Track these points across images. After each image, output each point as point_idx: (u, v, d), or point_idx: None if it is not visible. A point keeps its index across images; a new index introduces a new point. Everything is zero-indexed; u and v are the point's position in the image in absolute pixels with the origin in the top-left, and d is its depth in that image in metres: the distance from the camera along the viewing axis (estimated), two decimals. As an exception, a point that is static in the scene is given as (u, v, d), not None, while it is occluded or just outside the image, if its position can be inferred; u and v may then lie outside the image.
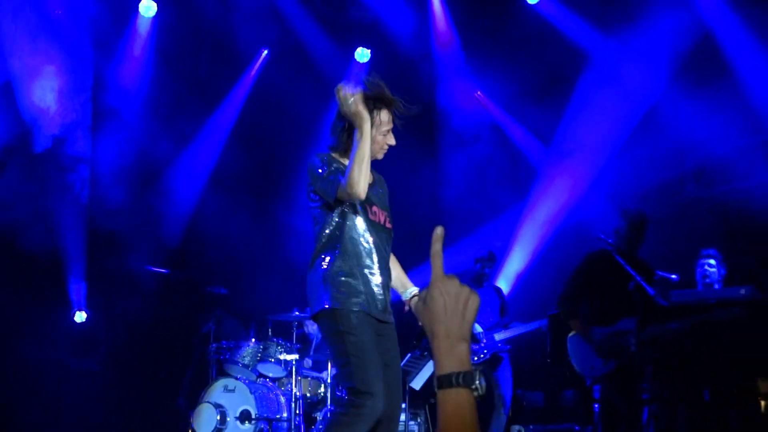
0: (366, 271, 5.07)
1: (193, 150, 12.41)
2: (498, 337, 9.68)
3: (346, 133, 5.09)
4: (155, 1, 11.68)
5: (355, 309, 4.93)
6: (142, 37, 11.68)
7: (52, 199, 10.70)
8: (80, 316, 11.17)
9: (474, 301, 2.22)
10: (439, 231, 2.27)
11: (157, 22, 11.82)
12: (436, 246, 2.29)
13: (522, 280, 12.51)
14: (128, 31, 11.71)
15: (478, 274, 10.25)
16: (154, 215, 11.59)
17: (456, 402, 2.13)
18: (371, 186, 5.21)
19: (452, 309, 2.19)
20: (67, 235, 10.83)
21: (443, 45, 12.80)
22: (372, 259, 5.09)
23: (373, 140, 5.00)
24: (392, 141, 5.21)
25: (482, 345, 9.65)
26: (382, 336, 5.13)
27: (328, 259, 5.05)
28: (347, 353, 4.88)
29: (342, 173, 4.97)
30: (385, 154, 5.29)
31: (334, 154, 5.21)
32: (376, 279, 5.08)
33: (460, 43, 12.77)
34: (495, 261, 10.50)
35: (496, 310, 10.16)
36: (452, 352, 2.16)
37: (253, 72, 12.77)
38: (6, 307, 10.09)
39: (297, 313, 10.13)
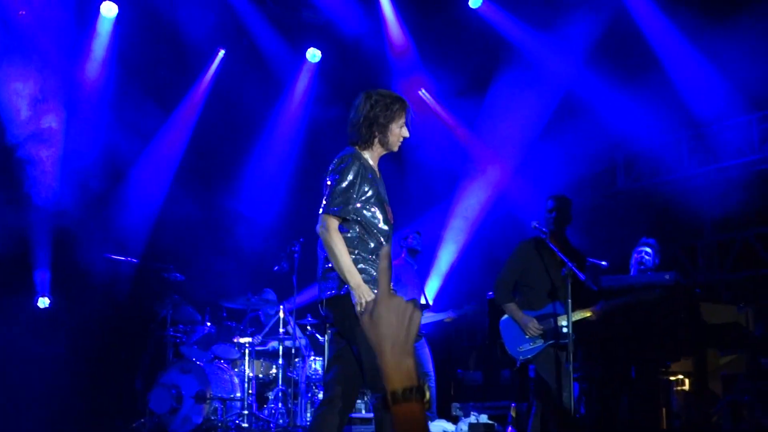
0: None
1: (155, 146, 12.34)
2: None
3: (366, 128, 5.29)
4: (116, 3, 11.54)
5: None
6: (103, 38, 11.58)
7: (19, 193, 10.68)
8: (43, 302, 11.10)
9: (417, 315, 2.19)
10: (385, 249, 2.31)
11: (118, 23, 11.69)
12: (383, 263, 2.30)
13: (453, 270, 12.58)
14: (89, 32, 11.57)
15: (412, 248, 10.15)
16: (115, 208, 11.59)
17: (411, 416, 2.11)
18: (381, 184, 5.44)
19: (398, 325, 2.17)
20: (33, 226, 10.81)
21: (394, 46, 12.79)
22: None
23: (391, 133, 5.29)
24: (407, 134, 5.41)
25: None
26: None
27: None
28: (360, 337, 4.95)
29: (355, 191, 5.19)
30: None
31: (358, 150, 5.36)
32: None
33: (407, 42, 12.78)
34: (419, 238, 10.42)
35: (421, 289, 10.18)
36: (400, 368, 2.15)
37: (211, 71, 12.70)
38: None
39: (249, 298, 10.32)
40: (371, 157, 5.42)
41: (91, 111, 11.47)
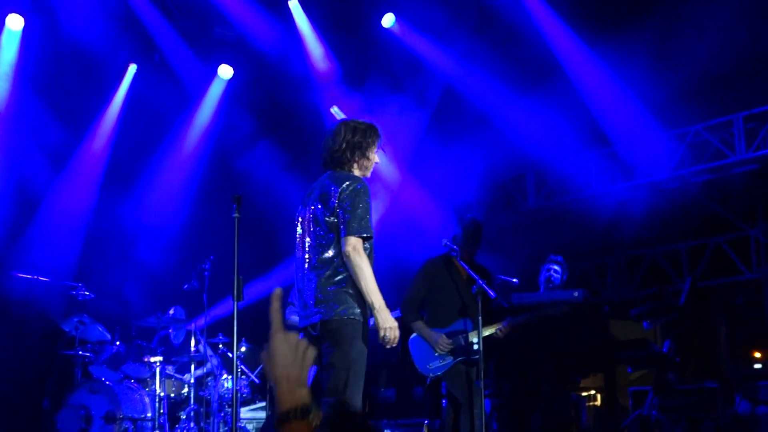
0: None
1: (66, 163, 12.05)
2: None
3: (348, 153, 5.49)
4: (23, 17, 11.22)
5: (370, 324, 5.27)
6: (9, 54, 11.30)
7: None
8: None
9: (311, 351, 2.30)
10: (277, 291, 2.38)
11: (24, 38, 11.37)
12: (275, 304, 2.37)
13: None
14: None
15: None
16: (25, 226, 11.37)
17: None
18: None
19: (291, 359, 2.27)
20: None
21: (309, 63, 12.61)
22: None
23: (369, 159, 5.56)
24: (378, 159, 5.65)
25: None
26: None
27: (345, 273, 5.26)
28: (355, 368, 5.19)
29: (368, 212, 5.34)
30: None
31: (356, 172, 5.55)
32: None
33: (321, 59, 12.63)
34: None
35: None
36: (293, 397, 2.24)
37: (121, 85, 12.46)
38: None
39: (159, 317, 10.09)
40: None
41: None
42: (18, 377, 10.74)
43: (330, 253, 5.32)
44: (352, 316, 5.20)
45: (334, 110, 13.03)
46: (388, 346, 5.32)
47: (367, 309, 5.24)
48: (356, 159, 5.51)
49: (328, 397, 5.17)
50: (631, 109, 11.80)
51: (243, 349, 10.31)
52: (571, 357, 8.37)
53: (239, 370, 9.49)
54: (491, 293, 7.42)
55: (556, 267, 9.04)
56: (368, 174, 5.62)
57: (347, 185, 5.33)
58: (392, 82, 12.62)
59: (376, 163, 5.65)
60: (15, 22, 11.24)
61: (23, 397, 10.63)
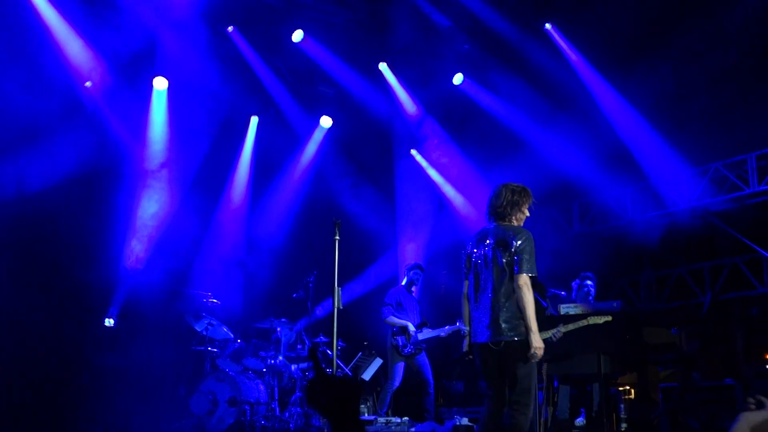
0: None
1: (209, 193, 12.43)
2: (420, 336, 9.68)
3: (508, 210, 5.89)
4: (166, 79, 11.47)
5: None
6: (160, 112, 11.58)
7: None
8: (109, 322, 11.06)
9: (354, 392, 2.23)
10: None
11: (169, 96, 11.68)
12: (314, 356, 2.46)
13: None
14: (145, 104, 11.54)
15: (411, 281, 10.04)
16: (172, 250, 11.66)
17: None
18: None
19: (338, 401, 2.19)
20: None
21: (400, 113, 12.77)
22: None
23: (523, 213, 5.97)
24: (528, 214, 6.03)
25: (413, 340, 9.63)
26: None
27: (515, 302, 5.64)
28: (532, 375, 5.66)
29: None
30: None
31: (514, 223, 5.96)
32: None
33: (407, 110, 12.72)
34: (423, 271, 10.42)
35: (419, 311, 10.04)
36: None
37: (248, 133, 12.68)
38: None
39: (272, 320, 10.20)
40: None
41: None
42: (160, 369, 10.94)
43: (506, 287, 5.68)
44: (525, 338, 5.57)
45: (413, 152, 13.15)
46: (534, 361, 5.62)
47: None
48: (515, 214, 5.89)
49: (516, 398, 5.59)
50: (661, 149, 11.72)
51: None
52: (610, 357, 8.28)
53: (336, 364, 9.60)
54: (543, 303, 7.39)
55: (590, 282, 9.04)
56: (522, 223, 5.96)
57: (522, 236, 5.73)
58: (459, 127, 12.68)
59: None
60: (161, 84, 11.48)
61: (164, 385, 10.76)
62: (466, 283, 6.07)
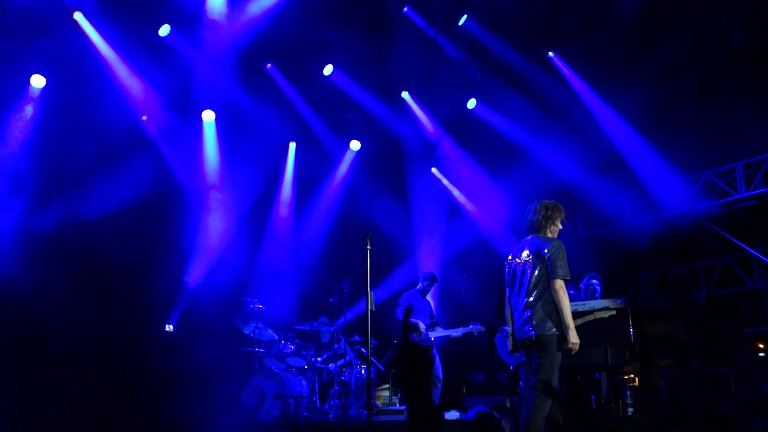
0: None
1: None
2: (431, 335, 9.69)
3: (543, 224, 6.17)
4: (214, 112, 11.76)
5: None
6: (211, 141, 11.93)
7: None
8: (168, 328, 11.36)
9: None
10: None
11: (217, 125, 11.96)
12: None
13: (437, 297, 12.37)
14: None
15: (424, 288, 9.90)
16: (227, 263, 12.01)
17: None
18: None
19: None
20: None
21: (423, 135, 12.92)
22: None
23: (557, 227, 6.24)
24: (561, 227, 6.32)
25: (423, 337, 9.61)
26: None
27: (550, 303, 5.91)
28: (554, 368, 5.84)
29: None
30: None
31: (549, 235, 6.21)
32: None
33: (428, 133, 12.87)
34: (436, 281, 10.54)
35: (431, 313, 9.86)
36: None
37: (288, 157, 12.92)
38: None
39: (311, 322, 10.45)
40: None
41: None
42: (213, 369, 11.01)
43: (538, 291, 5.93)
44: (552, 335, 5.81)
45: (434, 170, 13.30)
46: (572, 353, 5.88)
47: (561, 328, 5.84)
48: (549, 227, 6.16)
49: (539, 386, 5.82)
50: (656, 160, 11.79)
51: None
52: (616, 348, 8.36)
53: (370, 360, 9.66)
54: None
55: (595, 281, 9.09)
56: (556, 235, 6.22)
57: (550, 245, 5.99)
58: (473, 144, 12.80)
59: None
60: (209, 116, 11.73)
61: (217, 382, 10.84)
62: (509, 289, 6.24)
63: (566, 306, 5.85)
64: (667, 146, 11.54)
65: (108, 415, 9.67)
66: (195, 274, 11.73)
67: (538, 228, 6.19)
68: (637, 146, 11.80)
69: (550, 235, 6.18)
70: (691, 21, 10.22)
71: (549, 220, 6.19)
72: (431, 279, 10.17)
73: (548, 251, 5.97)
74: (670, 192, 12.09)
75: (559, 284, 5.89)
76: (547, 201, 6.29)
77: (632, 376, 9.84)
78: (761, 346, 10.12)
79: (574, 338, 5.79)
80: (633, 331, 8.22)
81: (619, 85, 11.28)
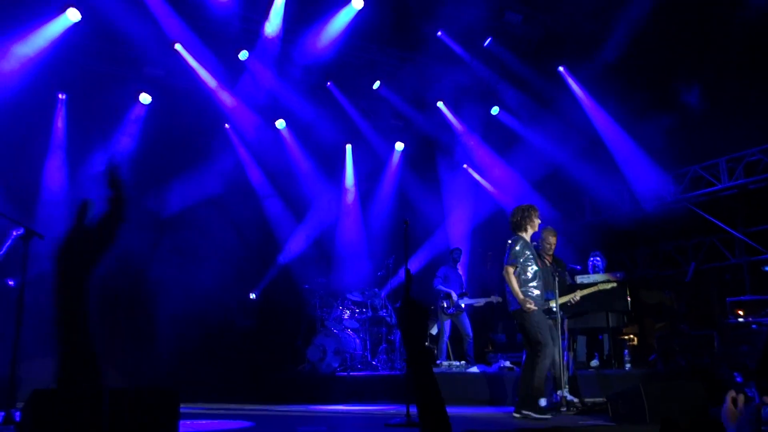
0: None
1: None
2: (461, 302, 9.64)
3: (523, 224, 6.56)
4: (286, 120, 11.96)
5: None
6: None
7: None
8: (252, 295, 11.58)
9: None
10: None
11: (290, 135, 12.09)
12: None
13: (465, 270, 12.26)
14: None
15: (454, 260, 10.06)
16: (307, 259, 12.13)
17: None
18: (533, 250, 6.61)
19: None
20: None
21: (456, 137, 12.73)
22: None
23: (533, 224, 6.60)
24: (538, 221, 6.69)
25: (456, 303, 9.61)
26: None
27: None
28: (537, 328, 6.23)
29: (520, 254, 6.46)
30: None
31: (521, 234, 6.57)
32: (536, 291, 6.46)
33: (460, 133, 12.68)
34: (461, 253, 10.51)
35: (461, 284, 10.02)
36: None
37: (346, 158, 12.88)
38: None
39: (363, 291, 10.47)
40: (526, 237, 6.61)
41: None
42: (284, 328, 11.20)
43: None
44: (518, 306, 6.31)
45: (465, 166, 13.19)
46: (529, 313, 6.25)
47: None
48: (528, 224, 6.57)
49: (532, 346, 6.27)
50: (651, 156, 11.55)
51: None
52: (616, 314, 8.25)
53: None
54: (568, 280, 7.46)
55: (598, 258, 9.01)
56: (536, 228, 6.65)
57: (515, 241, 6.51)
58: (498, 144, 12.64)
59: None
60: (281, 123, 11.81)
61: (287, 339, 11.01)
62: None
63: (512, 285, 6.32)
64: (659, 143, 11.24)
65: (198, 363, 9.79)
66: (286, 252, 11.91)
67: (518, 226, 6.57)
68: (634, 145, 11.49)
69: (530, 230, 6.58)
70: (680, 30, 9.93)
71: (524, 219, 6.54)
72: (458, 251, 10.20)
73: (510, 244, 6.50)
74: (663, 183, 11.82)
75: (505, 269, 6.41)
76: (522, 205, 6.68)
77: (631, 336, 9.71)
78: (740, 312, 9.83)
79: (523, 303, 6.21)
80: (630, 300, 8.12)
81: (618, 93, 11.02)
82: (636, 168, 11.54)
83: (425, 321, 2.13)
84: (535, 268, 6.48)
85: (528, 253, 6.48)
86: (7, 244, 8.20)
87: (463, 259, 10.81)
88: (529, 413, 6.02)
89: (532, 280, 6.43)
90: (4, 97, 8.92)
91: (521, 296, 6.25)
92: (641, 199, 11.94)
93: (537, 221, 6.57)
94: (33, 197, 9.95)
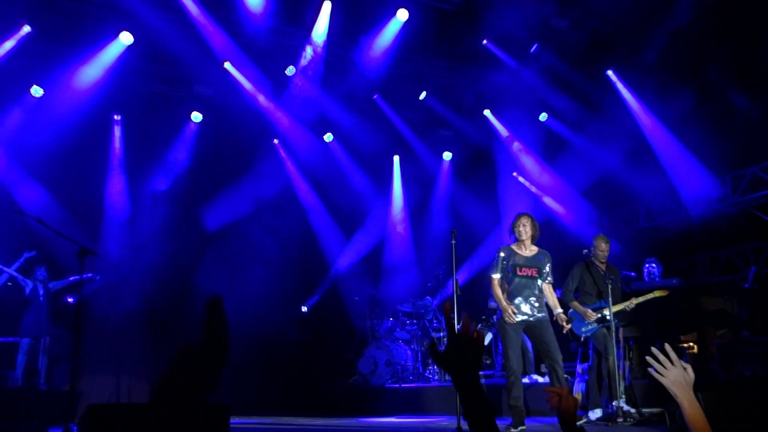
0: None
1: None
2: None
3: (512, 232, 6.48)
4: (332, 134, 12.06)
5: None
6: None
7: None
8: (303, 308, 11.71)
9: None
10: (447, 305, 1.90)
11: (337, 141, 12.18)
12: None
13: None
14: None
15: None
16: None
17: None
18: (520, 258, 6.39)
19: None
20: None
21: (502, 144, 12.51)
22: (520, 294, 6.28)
23: (517, 232, 6.41)
24: (519, 230, 6.49)
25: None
26: (536, 327, 6.28)
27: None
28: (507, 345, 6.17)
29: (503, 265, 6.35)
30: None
31: (508, 246, 6.47)
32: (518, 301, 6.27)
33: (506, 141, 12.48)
34: None
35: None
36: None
37: (396, 173, 12.90)
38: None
39: (414, 302, 10.44)
40: (516, 246, 6.46)
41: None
42: (336, 341, 11.31)
43: None
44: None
45: (515, 174, 12.96)
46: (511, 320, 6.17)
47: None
48: (515, 234, 6.43)
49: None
50: (705, 160, 11.24)
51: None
52: (676, 321, 8.08)
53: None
54: (617, 283, 7.32)
55: (653, 265, 8.81)
56: (521, 237, 6.39)
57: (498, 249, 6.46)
58: (546, 151, 12.51)
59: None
60: (328, 137, 11.93)
61: (339, 352, 11.10)
62: None
63: (496, 296, 6.27)
64: (717, 148, 10.93)
65: (250, 377, 9.90)
66: (336, 265, 12.00)
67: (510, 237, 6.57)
68: (683, 149, 11.18)
69: (515, 239, 6.44)
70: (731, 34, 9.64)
71: (513, 229, 6.48)
72: None
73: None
74: (721, 186, 11.46)
75: (491, 280, 6.33)
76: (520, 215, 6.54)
77: (690, 345, 9.43)
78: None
79: (506, 317, 6.10)
80: (689, 307, 7.91)
81: (671, 97, 10.76)
82: (684, 172, 11.23)
83: (479, 356, 1.78)
84: (516, 277, 6.28)
85: (508, 263, 6.35)
86: (18, 263, 8.67)
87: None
88: None
89: (511, 291, 6.29)
90: (68, 122, 9.31)
91: (501, 305, 6.21)
92: (688, 205, 11.63)
93: (520, 230, 6.38)
94: (98, 217, 10.34)
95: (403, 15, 9.88)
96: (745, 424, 4.71)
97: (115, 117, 10.59)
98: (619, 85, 11.16)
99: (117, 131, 10.66)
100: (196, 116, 10.90)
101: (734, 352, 8.63)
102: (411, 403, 8.82)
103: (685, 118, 10.34)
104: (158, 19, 9.20)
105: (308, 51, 10.14)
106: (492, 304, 9.67)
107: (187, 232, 10.59)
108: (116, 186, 10.58)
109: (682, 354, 8.58)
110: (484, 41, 10.74)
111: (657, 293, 7.18)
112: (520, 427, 5.93)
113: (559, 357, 6.21)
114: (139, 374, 9.71)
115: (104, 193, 10.52)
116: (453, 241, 6.21)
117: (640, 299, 7.08)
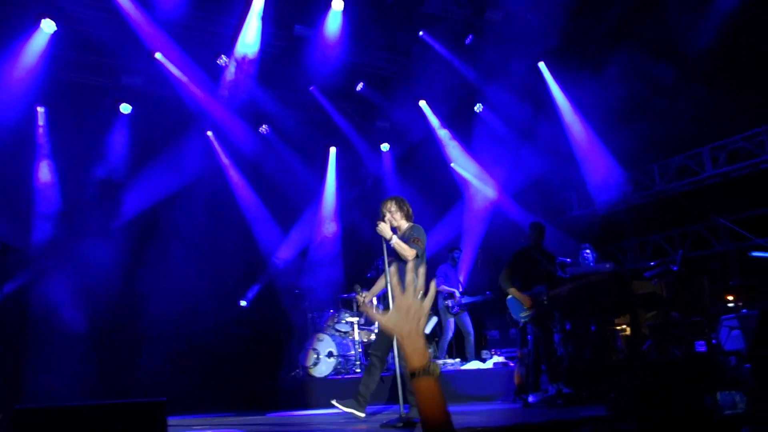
0: None
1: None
2: (463, 300, 9.68)
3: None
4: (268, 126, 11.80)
5: None
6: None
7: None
8: (243, 303, 11.52)
9: (422, 309, 1.83)
10: (392, 268, 1.92)
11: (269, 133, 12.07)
12: (393, 279, 1.99)
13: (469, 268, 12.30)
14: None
15: (453, 260, 10.08)
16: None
17: (427, 387, 1.79)
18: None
19: (408, 319, 1.80)
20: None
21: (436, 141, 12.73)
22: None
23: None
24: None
25: (459, 302, 9.66)
26: None
27: None
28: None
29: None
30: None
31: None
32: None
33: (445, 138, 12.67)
34: (461, 252, 10.48)
35: (459, 282, 10.06)
36: (416, 350, 1.80)
37: (329, 159, 12.78)
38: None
39: (354, 293, 10.37)
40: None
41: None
42: (277, 335, 11.12)
43: None
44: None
45: (453, 165, 12.99)
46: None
47: None
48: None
49: None
50: (636, 146, 11.49)
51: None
52: (609, 305, 8.23)
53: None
54: (553, 268, 7.43)
55: (588, 251, 8.97)
56: (396, 222, 6.30)
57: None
58: (480, 141, 12.61)
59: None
60: (263, 128, 11.73)
61: (280, 344, 10.93)
62: None
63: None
64: (645, 135, 11.23)
65: (189, 373, 9.74)
66: (274, 259, 11.80)
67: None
68: (605, 138, 11.47)
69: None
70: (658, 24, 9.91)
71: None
72: (457, 250, 10.19)
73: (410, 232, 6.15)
74: (648, 174, 11.82)
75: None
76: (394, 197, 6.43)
77: (623, 327, 9.67)
78: (730, 298, 9.86)
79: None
80: (620, 290, 8.08)
81: (595, 88, 11.00)
82: (607, 162, 11.51)
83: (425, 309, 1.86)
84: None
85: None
86: None
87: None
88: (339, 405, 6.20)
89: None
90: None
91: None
92: (596, 200, 11.98)
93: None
94: (28, 211, 9.88)
95: (338, 5, 9.76)
96: (674, 394, 4.89)
97: (39, 109, 10.10)
98: (549, 78, 11.35)
99: (41, 123, 10.18)
100: (125, 107, 10.51)
101: (665, 332, 8.92)
102: (354, 393, 8.74)
103: (612, 111, 10.61)
104: (81, 5, 8.81)
105: (244, 37, 9.91)
106: (446, 288, 9.74)
107: (120, 228, 10.25)
108: (45, 179, 10.13)
109: (616, 336, 8.79)
110: (420, 32, 10.72)
111: (592, 278, 7.34)
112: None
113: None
114: (73, 374, 9.34)
115: (33, 187, 10.08)
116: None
117: (575, 284, 7.26)
